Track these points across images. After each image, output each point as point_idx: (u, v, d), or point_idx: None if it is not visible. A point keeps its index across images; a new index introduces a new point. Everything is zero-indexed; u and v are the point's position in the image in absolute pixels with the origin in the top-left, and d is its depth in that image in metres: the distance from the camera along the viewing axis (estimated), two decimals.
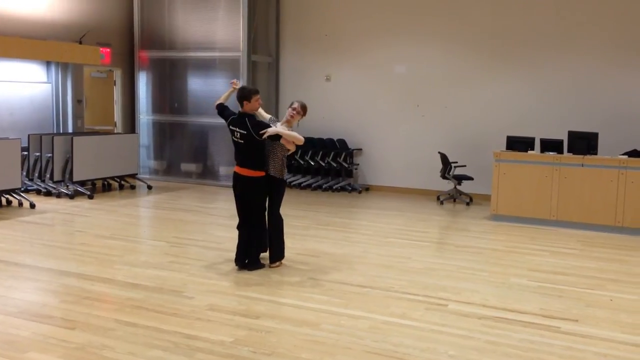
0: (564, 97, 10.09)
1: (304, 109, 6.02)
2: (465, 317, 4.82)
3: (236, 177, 5.95)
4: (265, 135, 5.69)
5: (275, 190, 5.97)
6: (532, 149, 8.92)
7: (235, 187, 6.02)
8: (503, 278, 5.95)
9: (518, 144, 8.96)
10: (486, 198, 9.68)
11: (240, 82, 11.38)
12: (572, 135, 8.73)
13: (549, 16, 10.12)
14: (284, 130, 5.83)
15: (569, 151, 8.66)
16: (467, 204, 10.17)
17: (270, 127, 5.81)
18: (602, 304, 5.25)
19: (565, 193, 8.42)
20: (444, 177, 10.21)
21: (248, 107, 5.87)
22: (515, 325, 4.67)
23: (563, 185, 8.43)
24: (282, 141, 5.78)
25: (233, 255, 6.18)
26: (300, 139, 5.80)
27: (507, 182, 8.73)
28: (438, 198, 10.45)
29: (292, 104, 6.06)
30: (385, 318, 4.74)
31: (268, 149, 5.87)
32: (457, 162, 10.10)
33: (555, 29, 10.09)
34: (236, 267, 6.00)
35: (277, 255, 6.10)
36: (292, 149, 5.91)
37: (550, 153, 8.62)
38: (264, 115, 6.26)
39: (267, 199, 5.98)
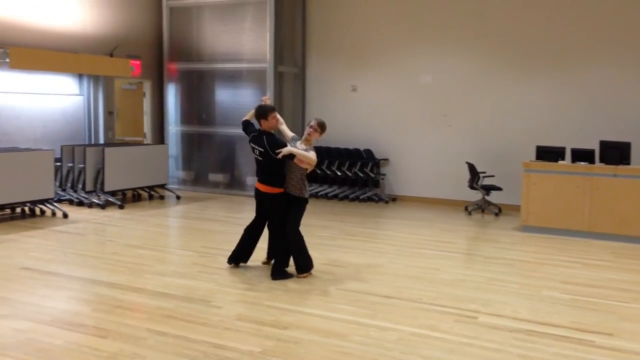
0: (596, 105, 9.94)
1: (321, 127, 6.08)
2: (496, 329, 4.76)
3: (256, 192, 6.19)
4: (280, 155, 5.81)
5: (293, 207, 6.05)
6: (563, 159, 8.80)
7: (256, 197, 6.25)
8: (534, 290, 5.86)
9: (548, 154, 8.85)
10: (515, 209, 9.56)
11: (267, 93, 11.48)
12: (604, 145, 8.60)
13: (579, 23, 10.00)
14: (298, 150, 5.89)
15: (601, 161, 8.52)
16: (496, 214, 10.06)
17: (287, 146, 5.90)
18: (636, 318, 5.14)
19: (597, 204, 8.28)
20: (471, 187, 10.12)
21: (266, 125, 6.01)
22: (547, 339, 4.59)
23: (595, 195, 8.29)
24: (295, 161, 5.86)
25: (260, 265, 6.29)
26: (312, 159, 5.91)
27: (537, 192, 8.62)
28: (466, 208, 10.36)
29: (310, 122, 6.15)
30: (414, 330, 4.71)
31: (287, 167, 5.97)
32: (485, 172, 10.01)
33: (586, 36, 9.97)
34: (229, 265, 6.32)
35: (303, 266, 6.11)
36: (308, 168, 5.98)
37: (582, 163, 8.50)
38: (287, 133, 6.30)
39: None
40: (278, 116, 6.15)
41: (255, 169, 6.21)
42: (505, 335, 4.64)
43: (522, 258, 7.38)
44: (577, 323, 4.94)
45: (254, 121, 6.27)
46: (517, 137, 10.42)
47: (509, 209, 10.15)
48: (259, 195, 6.15)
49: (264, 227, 6.32)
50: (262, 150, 5.93)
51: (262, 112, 6.02)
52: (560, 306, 5.39)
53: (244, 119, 6.39)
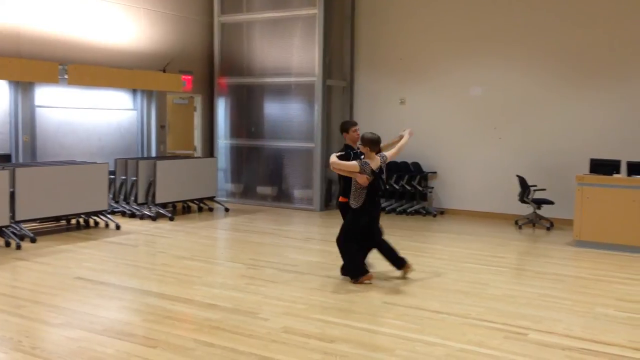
0: None
1: (361, 139, 6.34)
2: (548, 347, 4.63)
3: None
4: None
5: (348, 215, 6.40)
6: (618, 172, 8.54)
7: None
8: (588, 307, 5.68)
9: (602, 167, 8.60)
10: (568, 223, 9.32)
11: (315, 106, 11.58)
12: None
13: (633, 35, 9.72)
14: (334, 159, 6.28)
15: None
16: (548, 229, 9.82)
17: (349, 160, 6.33)
18: None
19: None
20: (522, 200, 9.92)
21: (347, 137, 6.65)
22: (602, 358, 4.44)
23: None
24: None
25: (308, 277, 6.44)
26: (342, 167, 6.19)
27: (591, 206, 8.38)
28: (516, 222, 10.15)
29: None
30: (462, 346, 4.62)
31: (351, 179, 6.28)
32: (536, 186, 9.79)
33: None
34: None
35: (350, 273, 6.42)
36: (360, 181, 6.14)
37: (638, 176, 8.22)
38: (387, 152, 6.49)
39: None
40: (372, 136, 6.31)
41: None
42: (557, 353, 4.50)
43: (575, 274, 7.17)
44: (633, 342, 4.76)
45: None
46: (569, 150, 10.17)
47: (561, 223, 9.89)
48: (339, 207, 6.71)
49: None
50: None
51: (344, 126, 6.71)
52: (616, 324, 5.21)
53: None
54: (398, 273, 6.66)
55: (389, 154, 6.44)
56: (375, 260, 6.79)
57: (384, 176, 6.48)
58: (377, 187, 6.33)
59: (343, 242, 6.36)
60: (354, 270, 6.36)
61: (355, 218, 6.33)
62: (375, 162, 6.21)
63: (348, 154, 6.45)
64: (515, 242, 8.95)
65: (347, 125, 6.68)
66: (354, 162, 6.19)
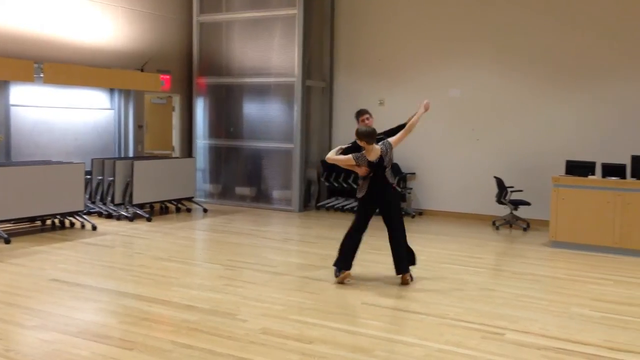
0: (627, 120, 9.77)
1: (357, 135, 6.31)
2: (524, 347, 4.68)
3: None
4: None
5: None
6: (593, 173, 8.67)
7: None
8: (564, 307, 5.75)
9: (578, 169, 8.72)
10: (544, 224, 9.43)
11: (295, 107, 11.56)
12: (636, 159, 8.44)
13: (610, 37, 9.87)
14: (330, 153, 6.48)
15: (632, 176, 8.37)
16: (524, 229, 9.92)
17: (347, 154, 6.38)
18: None
19: (628, 219, 8.11)
20: (499, 201, 10.01)
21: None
22: (577, 357, 4.49)
23: (626, 211, 8.13)
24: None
25: (286, 278, 6.40)
26: (336, 161, 6.40)
27: (566, 207, 8.49)
28: (494, 223, 10.24)
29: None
30: (440, 346, 4.65)
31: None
32: (513, 187, 9.89)
33: (617, 50, 9.83)
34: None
35: (336, 262, 6.50)
36: (361, 173, 6.32)
37: (613, 178, 8.35)
38: (392, 138, 6.56)
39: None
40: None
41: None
42: (534, 353, 4.55)
43: (550, 274, 7.26)
44: (608, 341, 4.83)
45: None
46: (546, 151, 10.29)
47: (538, 224, 10.00)
48: None
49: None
50: None
51: (356, 115, 6.84)
52: (591, 324, 5.28)
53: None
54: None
55: (394, 139, 6.43)
56: (356, 261, 6.79)
57: (386, 164, 6.34)
58: (378, 178, 6.33)
59: (349, 229, 6.52)
60: (340, 260, 6.43)
61: (361, 207, 6.54)
62: (374, 153, 6.24)
63: (356, 144, 6.42)
64: (493, 243, 9.03)
65: (357, 115, 6.81)
66: (348, 156, 6.28)
